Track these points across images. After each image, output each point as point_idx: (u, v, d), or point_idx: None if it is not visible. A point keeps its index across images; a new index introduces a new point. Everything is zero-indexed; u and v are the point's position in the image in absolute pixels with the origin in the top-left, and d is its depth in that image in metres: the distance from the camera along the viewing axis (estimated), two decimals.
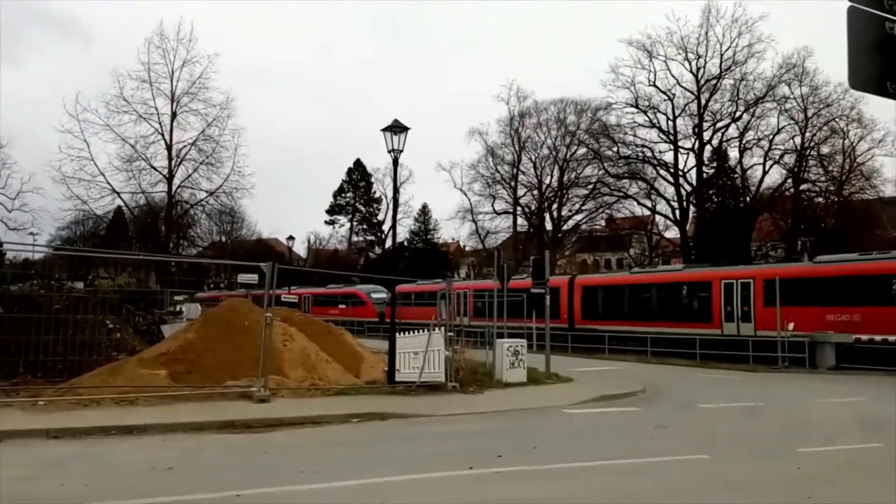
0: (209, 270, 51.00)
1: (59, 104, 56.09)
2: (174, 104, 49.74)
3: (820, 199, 47.91)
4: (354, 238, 73.49)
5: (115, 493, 6.39)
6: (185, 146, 50.52)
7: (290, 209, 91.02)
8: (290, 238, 49.51)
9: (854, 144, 45.32)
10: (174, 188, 50.91)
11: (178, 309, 20.17)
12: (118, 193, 49.74)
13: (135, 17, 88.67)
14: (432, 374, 14.20)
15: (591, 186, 55.36)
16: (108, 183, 48.65)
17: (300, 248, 66.79)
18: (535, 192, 59.40)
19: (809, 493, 6.76)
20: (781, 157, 47.34)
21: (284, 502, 6.33)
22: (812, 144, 45.87)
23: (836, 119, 44.64)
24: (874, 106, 41.08)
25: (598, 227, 59.16)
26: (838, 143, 45.77)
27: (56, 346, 12.00)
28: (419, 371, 14.14)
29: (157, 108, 49.31)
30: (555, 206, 58.93)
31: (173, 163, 50.43)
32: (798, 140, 46.24)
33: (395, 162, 16.81)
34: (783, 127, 46.53)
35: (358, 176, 73.04)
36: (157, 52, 49.09)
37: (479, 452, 8.57)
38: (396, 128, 16.07)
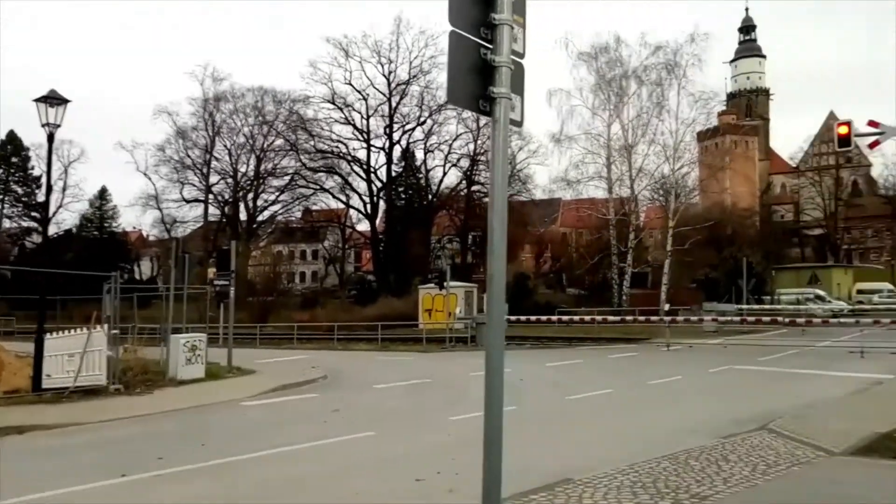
0: None
1: None
2: None
3: (487, 199, 54.59)
4: (7, 224, 62.21)
5: None
6: None
7: None
8: None
9: (514, 153, 52.56)
10: None
11: None
12: None
13: None
14: (91, 377, 12.73)
15: (288, 178, 55.17)
16: None
17: None
18: (230, 179, 57.13)
19: None
20: (458, 160, 52.87)
21: None
22: (483, 151, 51.98)
23: None
24: (530, 122, 48.16)
25: (294, 218, 59.16)
26: None
27: None
28: (75, 375, 12.56)
29: None
30: (250, 195, 57.31)
31: None
32: (472, 146, 52.05)
33: (51, 137, 14.72)
34: (461, 134, 52.02)
35: (11, 150, 61.85)
36: None
37: (136, 458, 7.98)
38: (53, 99, 14.08)
